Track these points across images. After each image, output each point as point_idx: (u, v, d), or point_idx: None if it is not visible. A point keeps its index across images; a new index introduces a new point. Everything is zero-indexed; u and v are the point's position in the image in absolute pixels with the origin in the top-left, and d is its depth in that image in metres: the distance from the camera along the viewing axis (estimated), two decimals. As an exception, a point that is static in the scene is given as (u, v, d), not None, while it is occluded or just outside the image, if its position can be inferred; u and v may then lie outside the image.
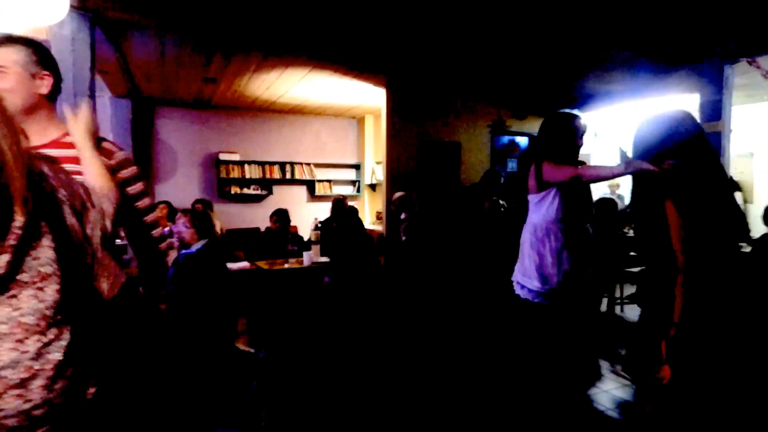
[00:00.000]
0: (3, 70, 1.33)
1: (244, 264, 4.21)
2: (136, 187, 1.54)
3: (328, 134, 7.75)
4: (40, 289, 1.01)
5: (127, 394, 1.63)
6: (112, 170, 1.47)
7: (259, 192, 7.29)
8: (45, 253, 1.01)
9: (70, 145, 1.41)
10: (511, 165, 6.42)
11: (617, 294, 4.96)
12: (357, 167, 7.82)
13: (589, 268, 2.45)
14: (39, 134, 1.40)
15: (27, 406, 0.97)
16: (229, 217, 6.84)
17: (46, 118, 1.43)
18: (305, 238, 5.29)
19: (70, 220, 1.07)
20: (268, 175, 7.30)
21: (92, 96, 3.59)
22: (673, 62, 4.77)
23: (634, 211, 1.73)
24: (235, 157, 7.08)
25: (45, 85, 1.40)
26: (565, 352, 2.53)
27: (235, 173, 7.10)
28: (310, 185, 7.60)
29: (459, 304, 4.44)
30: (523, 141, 6.50)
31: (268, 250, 4.76)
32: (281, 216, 4.77)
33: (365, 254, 4.15)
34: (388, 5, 3.62)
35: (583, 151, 2.58)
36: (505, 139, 6.39)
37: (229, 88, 5.85)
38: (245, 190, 7.21)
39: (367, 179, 7.64)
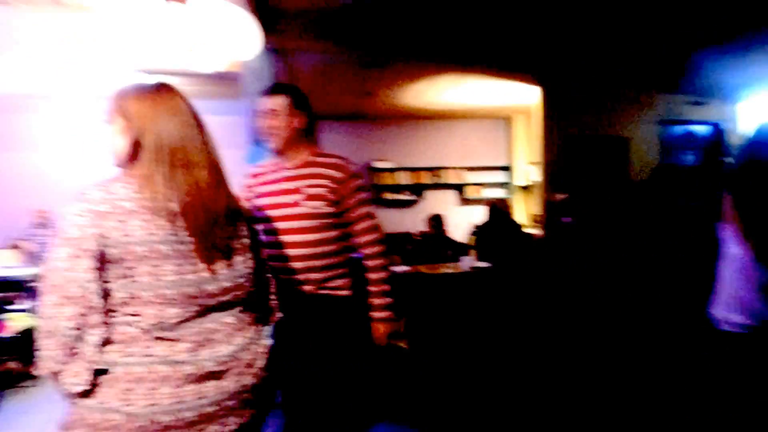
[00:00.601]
0: (276, 113, 1.79)
1: (405, 267, 4.37)
2: (362, 196, 1.88)
3: (476, 137, 7.69)
4: (250, 293, 1.21)
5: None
6: (344, 181, 1.81)
7: (410, 197, 7.52)
8: (248, 267, 1.22)
9: (316, 164, 1.84)
10: (688, 158, 5.68)
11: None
12: (507, 169, 7.63)
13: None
14: (295, 157, 1.85)
15: (254, 381, 1.15)
16: (381, 222, 7.16)
17: (300, 144, 1.87)
18: (459, 242, 5.31)
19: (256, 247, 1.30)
20: (418, 181, 7.50)
21: (273, 117, 4.05)
22: None
23: None
24: (388, 165, 7.40)
25: (300, 122, 1.83)
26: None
27: (388, 180, 7.43)
28: (459, 189, 7.61)
29: (634, 321, 4.04)
30: (702, 130, 5.72)
31: (425, 254, 4.88)
32: (437, 220, 4.86)
33: (527, 259, 4.01)
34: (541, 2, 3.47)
35: None
36: (679, 129, 5.68)
37: (382, 99, 6.15)
38: (397, 196, 7.50)
39: (519, 181, 7.40)
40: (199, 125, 1.16)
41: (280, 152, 1.85)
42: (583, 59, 4.82)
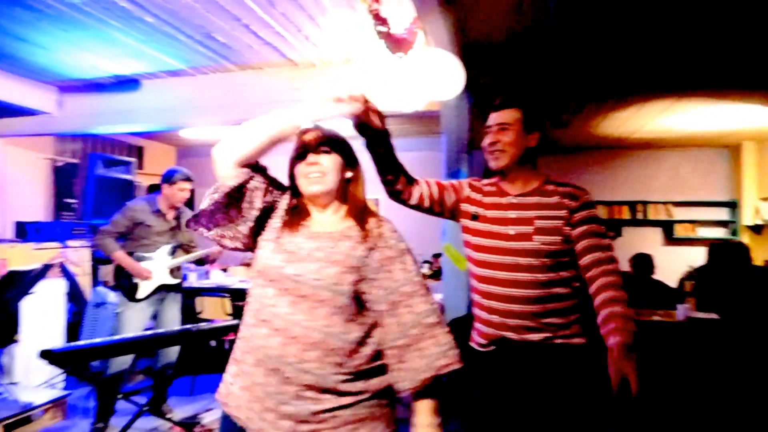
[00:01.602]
0: (507, 127, 1.60)
1: (605, 311, 3.99)
2: (595, 228, 1.58)
3: (689, 168, 6.74)
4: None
5: None
6: (577, 209, 1.56)
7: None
8: None
9: (550, 192, 1.61)
10: None
11: None
12: (731, 205, 6.49)
13: None
14: (524, 182, 1.64)
15: None
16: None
17: (530, 168, 1.65)
18: (670, 287, 4.66)
19: None
20: (615, 216, 6.86)
21: (470, 153, 4.15)
22: None
23: None
24: (580, 199, 6.94)
25: (533, 140, 1.62)
26: None
27: (580, 215, 6.95)
28: (666, 226, 6.73)
29: None
30: None
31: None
32: (643, 261, 4.36)
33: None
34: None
35: None
36: None
37: (578, 130, 5.83)
38: (590, 232, 6.95)
39: (747, 220, 6.23)
40: None
41: (504, 174, 1.63)
42: None
